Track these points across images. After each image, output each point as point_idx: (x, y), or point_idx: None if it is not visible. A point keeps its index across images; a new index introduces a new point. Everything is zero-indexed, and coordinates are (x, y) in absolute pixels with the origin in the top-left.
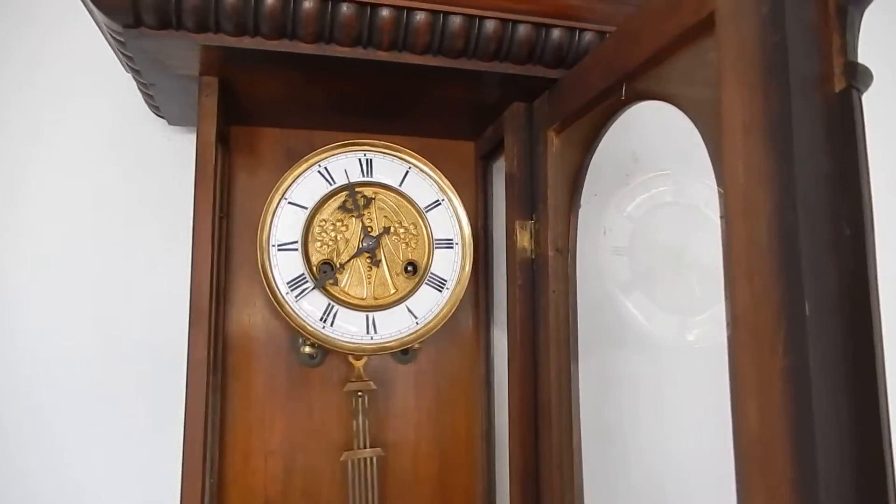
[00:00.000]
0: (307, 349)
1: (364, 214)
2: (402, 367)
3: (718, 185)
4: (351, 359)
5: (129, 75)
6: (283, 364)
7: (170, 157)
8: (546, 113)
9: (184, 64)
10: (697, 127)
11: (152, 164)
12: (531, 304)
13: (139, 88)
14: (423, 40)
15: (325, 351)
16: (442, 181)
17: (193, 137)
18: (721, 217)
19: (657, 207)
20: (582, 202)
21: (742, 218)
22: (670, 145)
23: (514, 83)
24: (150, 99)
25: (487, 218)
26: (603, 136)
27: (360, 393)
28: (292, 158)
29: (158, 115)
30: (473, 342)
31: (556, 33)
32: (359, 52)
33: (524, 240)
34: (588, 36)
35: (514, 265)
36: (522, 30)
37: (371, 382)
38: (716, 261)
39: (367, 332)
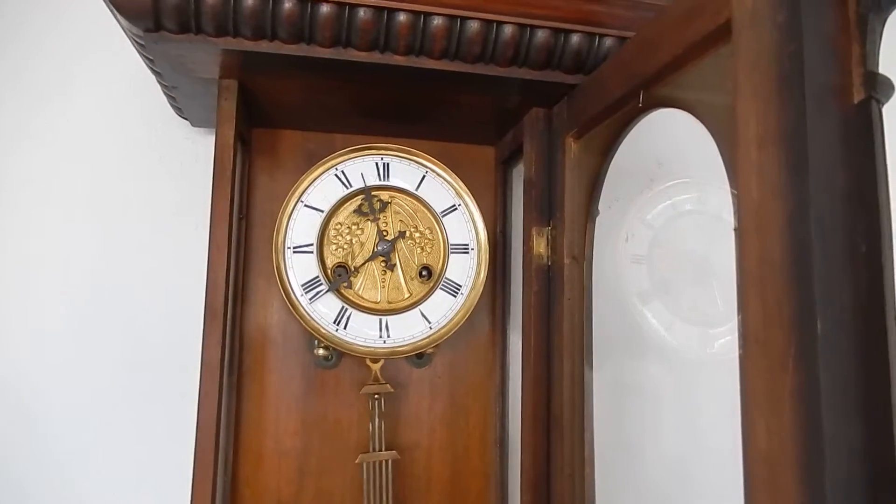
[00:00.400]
0: (321, 351)
1: (380, 218)
2: (417, 371)
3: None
4: (368, 361)
5: (154, 78)
6: (299, 365)
7: (192, 158)
8: (565, 119)
9: (203, 67)
10: (713, 136)
11: (175, 165)
12: (546, 311)
13: (163, 91)
14: (440, 45)
15: (340, 353)
16: (458, 186)
17: None
18: (735, 229)
19: (678, 216)
20: (603, 208)
21: (755, 232)
22: (692, 152)
23: (532, 89)
24: (173, 101)
25: (507, 223)
26: (620, 143)
27: (376, 396)
28: (313, 161)
29: (182, 117)
30: (489, 348)
31: (574, 39)
32: (376, 57)
33: (540, 246)
34: (608, 42)
35: (530, 272)
36: (541, 35)
37: (388, 385)
38: None
39: (381, 336)
